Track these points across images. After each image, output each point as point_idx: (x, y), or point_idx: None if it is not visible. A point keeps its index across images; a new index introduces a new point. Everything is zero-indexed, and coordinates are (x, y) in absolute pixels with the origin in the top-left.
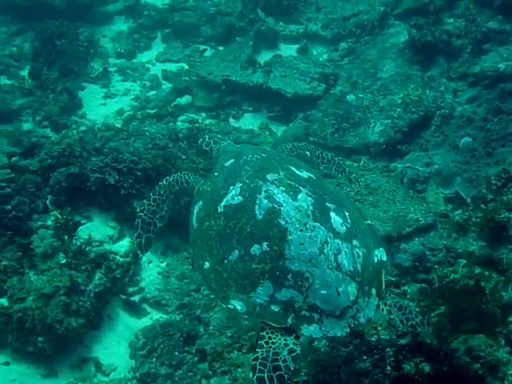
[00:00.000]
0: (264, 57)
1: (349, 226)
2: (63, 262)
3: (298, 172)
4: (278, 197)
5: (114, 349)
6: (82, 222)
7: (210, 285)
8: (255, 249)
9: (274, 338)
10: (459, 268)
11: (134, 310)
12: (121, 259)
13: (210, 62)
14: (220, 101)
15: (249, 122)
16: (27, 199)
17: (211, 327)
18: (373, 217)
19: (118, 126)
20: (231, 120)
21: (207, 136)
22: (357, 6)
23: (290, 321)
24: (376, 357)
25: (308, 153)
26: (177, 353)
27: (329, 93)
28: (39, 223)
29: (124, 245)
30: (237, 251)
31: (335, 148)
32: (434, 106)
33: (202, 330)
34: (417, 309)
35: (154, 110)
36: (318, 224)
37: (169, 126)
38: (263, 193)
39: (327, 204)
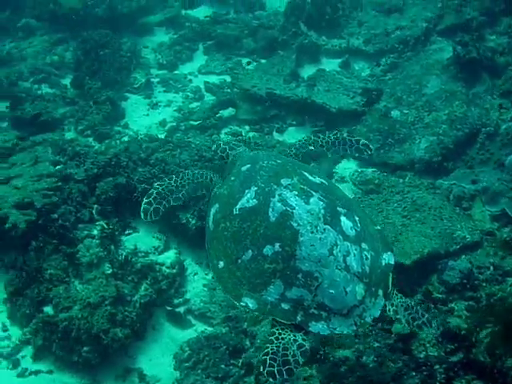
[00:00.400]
0: (306, 71)
1: (358, 229)
2: (109, 272)
3: (310, 177)
4: (290, 200)
5: (158, 360)
6: (127, 232)
7: (224, 283)
8: (268, 249)
9: (284, 334)
10: (507, 286)
11: (179, 321)
12: (167, 270)
13: (252, 74)
14: (264, 114)
15: (293, 135)
16: (73, 208)
17: (258, 341)
18: (420, 233)
19: (161, 136)
20: (275, 134)
21: (222, 142)
22: (399, 22)
23: (299, 318)
24: (425, 373)
25: (312, 147)
26: (223, 365)
27: (373, 108)
28: (85, 233)
29: (170, 256)
30: (250, 251)
31: (381, 164)
32: (479, 123)
33: (248, 343)
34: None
35: (198, 122)
36: (328, 227)
37: (213, 138)
38: (277, 196)
39: (338, 208)
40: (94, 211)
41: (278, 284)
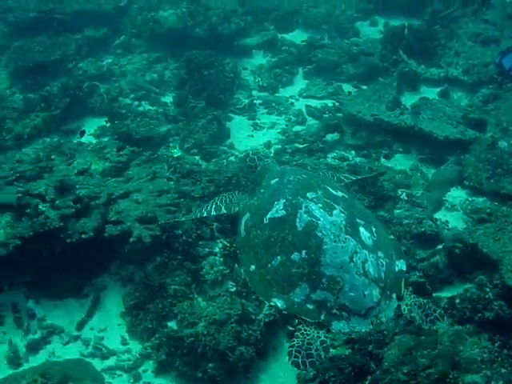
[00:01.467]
0: (407, 98)
1: (375, 239)
2: (233, 289)
3: (333, 191)
4: (316, 212)
5: (281, 380)
6: None
7: (255, 285)
8: (295, 256)
9: (309, 331)
10: None
11: None
12: None
13: (355, 100)
14: (370, 140)
15: (400, 162)
16: (193, 225)
17: (386, 363)
18: None
19: None
20: (382, 160)
21: (250, 152)
22: (497, 53)
23: (322, 317)
24: None
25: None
26: None
27: (479, 138)
28: (206, 250)
29: None
30: (279, 257)
31: (491, 193)
32: None
33: (373, 365)
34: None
35: (304, 145)
36: (349, 236)
37: (321, 162)
38: (303, 208)
39: (357, 220)
40: (214, 228)
41: (304, 287)
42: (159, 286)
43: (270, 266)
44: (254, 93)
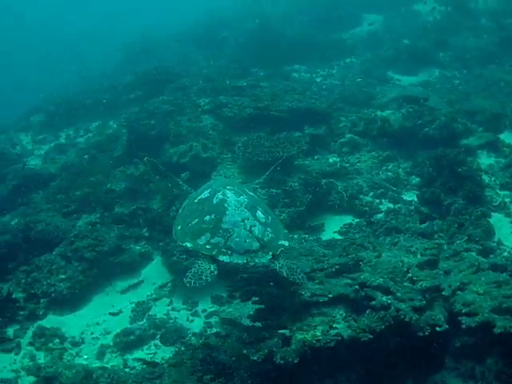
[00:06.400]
0: None
1: (268, 222)
2: None
3: (246, 190)
4: (228, 194)
5: None
6: None
7: (177, 236)
8: (207, 217)
9: (203, 265)
10: None
11: None
12: None
13: None
14: None
15: None
16: None
17: None
18: None
19: None
20: None
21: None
22: None
23: (214, 253)
24: None
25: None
26: None
27: None
28: None
29: None
30: (196, 219)
31: None
32: None
33: None
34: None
35: None
36: (246, 210)
37: None
38: (221, 192)
39: (257, 207)
40: None
41: (207, 235)
42: None
43: (189, 224)
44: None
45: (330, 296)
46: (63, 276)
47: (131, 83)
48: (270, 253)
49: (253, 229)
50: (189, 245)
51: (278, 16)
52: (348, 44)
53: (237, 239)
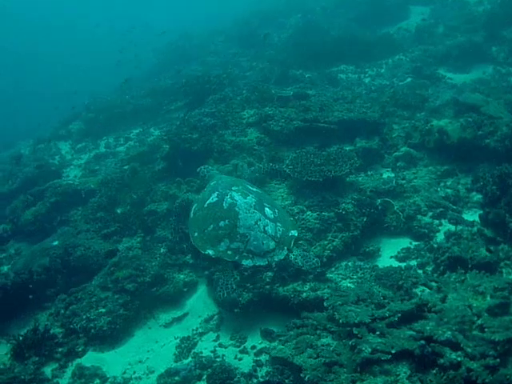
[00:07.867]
0: None
1: (276, 216)
2: None
3: (250, 187)
4: (235, 197)
5: None
6: None
7: (197, 243)
8: (221, 223)
9: (227, 274)
10: None
11: None
12: None
13: None
14: None
15: None
16: None
17: None
18: None
19: None
20: None
21: (203, 167)
22: None
23: (236, 258)
24: None
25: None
26: None
27: None
28: None
29: None
30: (211, 225)
31: None
32: None
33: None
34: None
35: None
36: (256, 211)
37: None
38: (228, 195)
39: (264, 203)
40: None
41: (225, 241)
42: None
43: (205, 231)
44: None
45: (393, 352)
46: (103, 310)
47: (172, 91)
48: (285, 248)
49: (266, 228)
50: (211, 252)
51: (319, 10)
52: (395, 40)
53: (255, 242)
